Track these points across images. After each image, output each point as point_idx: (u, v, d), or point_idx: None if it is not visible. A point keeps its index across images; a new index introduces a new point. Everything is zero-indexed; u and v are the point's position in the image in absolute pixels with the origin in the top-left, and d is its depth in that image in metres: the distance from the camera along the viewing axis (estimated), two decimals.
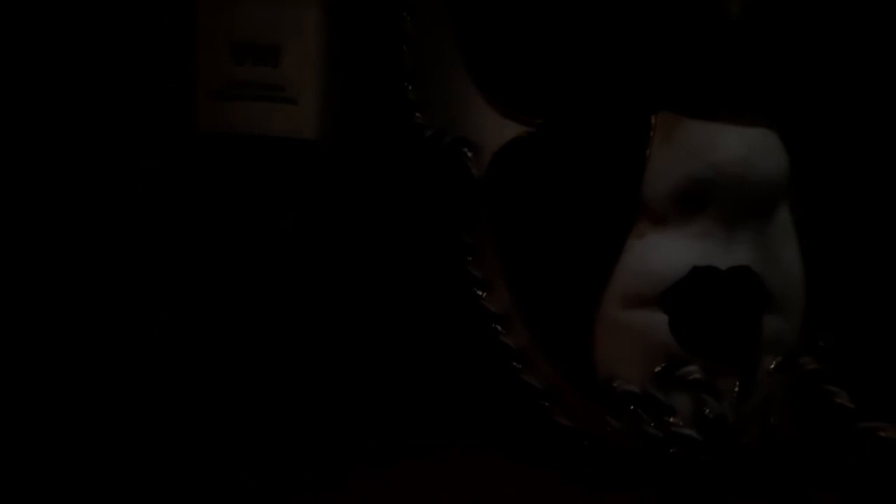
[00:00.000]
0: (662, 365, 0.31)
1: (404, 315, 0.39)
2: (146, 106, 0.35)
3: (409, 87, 0.36)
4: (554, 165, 0.34)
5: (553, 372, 0.35)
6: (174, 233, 0.36)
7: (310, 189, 0.36)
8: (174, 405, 0.35)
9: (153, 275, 0.37)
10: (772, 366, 0.32)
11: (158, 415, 0.35)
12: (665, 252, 0.31)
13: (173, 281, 0.36)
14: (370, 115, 0.38)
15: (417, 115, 0.36)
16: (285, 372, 0.37)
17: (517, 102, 0.34)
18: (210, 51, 0.35)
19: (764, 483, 0.32)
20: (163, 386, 0.36)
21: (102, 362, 0.37)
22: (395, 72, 0.36)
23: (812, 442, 0.32)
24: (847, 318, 0.35)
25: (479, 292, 0.36)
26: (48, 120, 0.37)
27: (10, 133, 0.37)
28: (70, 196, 0.37)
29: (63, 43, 0.37)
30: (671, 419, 0.31)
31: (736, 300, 0.32)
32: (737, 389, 0.31)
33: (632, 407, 0.32)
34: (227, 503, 0.31)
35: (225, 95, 0.35)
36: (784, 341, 0.33)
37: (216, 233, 0.36)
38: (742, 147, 0.30)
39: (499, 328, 0.35)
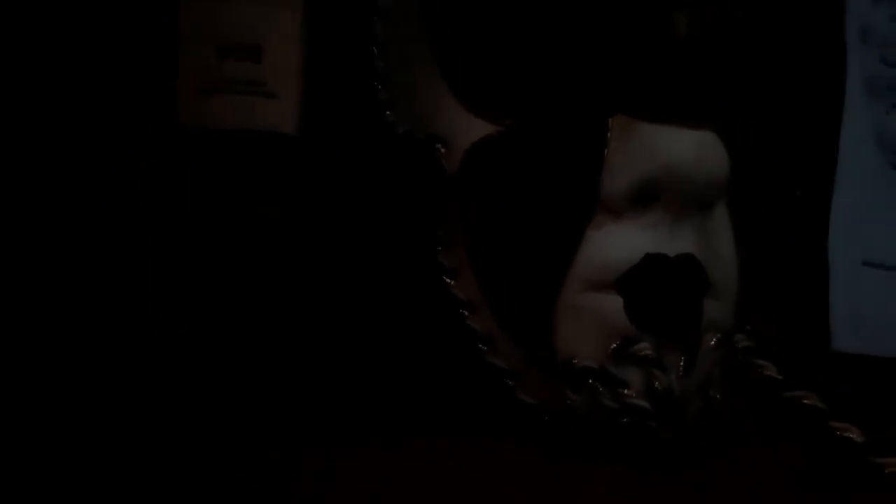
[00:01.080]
0: (617, 343, 0.35)
1: (386, 307, 0.41)
2: (145, 106, 0.36)
3: (380, 87, 0.38)
4: (521, 162, 0.37)
5: (516, 354, 0.38)
6: (174, 233, 0.36)
7: (291, 181, 0.38)
8: (174, 405, 0.36)
9: (153, 275, 0.37)
10: (711, 343, 0.36)
11: (158, 415, 0.36)
12: (620, 242, 0.35)
13: (173, 281, 0.37)
14: (348, 111, 0.40)
15: (388, 113, 0.38)
16: (285, 371, 0.38)
17: (488, 103, 0.37)
18: (194, 48, 0.37)
19: (707, 452, 0.35)
20: (163, 386, 0.36)
21: (102, 362, 0.37)
22: (369, 70, 0.38)
23: (746, 410, 0.36)
24: (771, 301, 0.40)
25: (448, 280, 0.39)
26: (47, 120, 0.37)
27: (9, 133, 0.37)
28: (70, 196, 0.37)
29: (63, 43, 0.37)
30: (625, 391, 0.35)
31: (680, 284, 0.36)
32: (682, 364, 0.35)
33: (590, 381, 0.35)
34: (226, 502, 0.32)
35: (209, 91, 0.37)
36: (721, 322, 0.36)
37: (206, 226, 0.37)
38: (690, 149, 0.34)
39: (465, 313, 0.39)
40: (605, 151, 0.35)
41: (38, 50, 0.38)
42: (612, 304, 0.35)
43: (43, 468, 0.33)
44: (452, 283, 0.38)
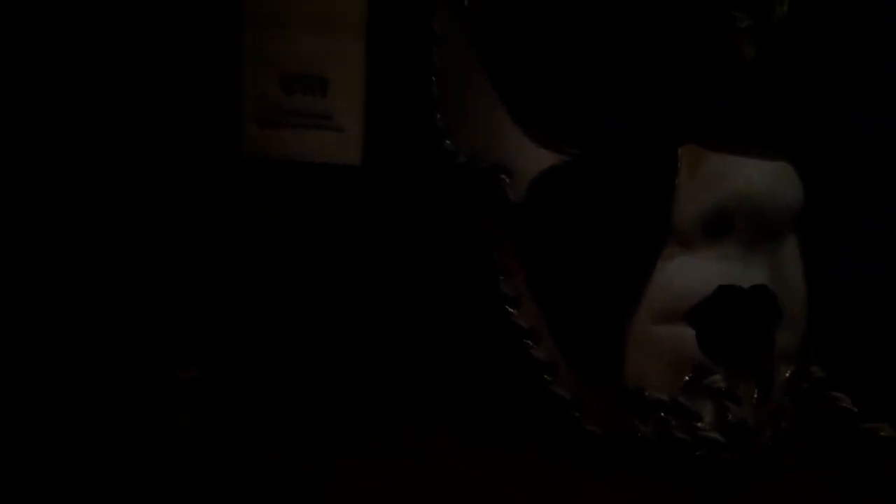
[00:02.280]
0: (690, 374, 0.35)
1: (408, 318, 0.40)
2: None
3: (438, 116, 0.38)
4: (587, 191, 0.37)
5: (580, 383, 0.37)
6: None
7: (351, 210, 0.38)
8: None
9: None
10: (786, 374, 0.36)
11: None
12: (693, 272, 0.34)
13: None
14: (409, 141, 0.40)
15: (447, 141, 0.38)
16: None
17: (552, 133, 0.37)
18: (258, 79, 0.37)
19: (773, 479, 0.35)
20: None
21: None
22: (428, 99, 0.38)
23: (820, 442, 0.36)
24: (843, 331, 0.39)
25: (510, 309, 0.38)
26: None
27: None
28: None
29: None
30: (698, 424, 0.35)
31: (753, 315, 0.35)
32: (755, 396, 0.35)
33: (661, 413, 0.35)
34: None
35: (273, 123, 0.37)
36: (792, 352, 0.36)
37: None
38: (763, 179, 0.34)
39: (529, 343, 0.38)
40: (676, 181, 0.35)
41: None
42: (685, 335, 0.34)
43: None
44: (515, 312, 0.38)
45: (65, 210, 0.37)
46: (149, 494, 0.32)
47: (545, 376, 0.38)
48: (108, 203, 0.37)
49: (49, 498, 0.31)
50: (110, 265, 0.37)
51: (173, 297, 0.37)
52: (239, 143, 0.36)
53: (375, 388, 0.39)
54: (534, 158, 0.37)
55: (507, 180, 0.38)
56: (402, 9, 0.39)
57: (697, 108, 0.35)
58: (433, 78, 0.38)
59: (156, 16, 0.36)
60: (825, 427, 0.36)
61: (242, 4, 0.36)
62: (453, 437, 0.36)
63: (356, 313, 0.39)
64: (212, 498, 0.32)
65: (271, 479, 0.33)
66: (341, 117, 0.37)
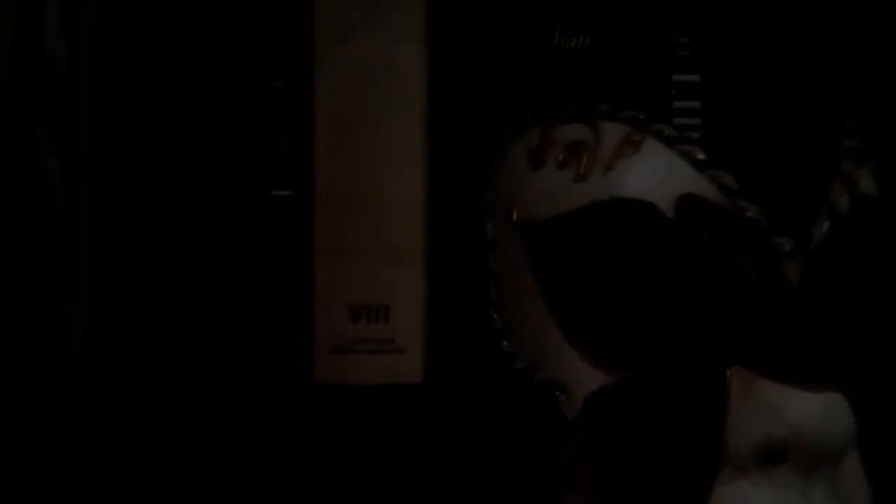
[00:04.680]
0: None
1: None
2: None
3: (495, 316, 0.40)
4: (641, 411, 0.38)
5: None
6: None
7: (415, 428, 0.40)
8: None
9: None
10: None
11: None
12: (749, 500, 0.34)
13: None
14: (470, 353, 0.42)
15: (505, 343, 0.40)
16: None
17: (604, 353, 0.39)
18: (327, 309, 0.40)
19: None
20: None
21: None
22: (486, 303, 0.40)
23: None
24: None
25: None
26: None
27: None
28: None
29: None
30: None
31: None
32: None
33: None
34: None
35: (342, 350, 0.40)
36: None
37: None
38: (815, 412, 0.34)
39: None
40: (726, 405, 0.36)
41: None
42: None
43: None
44: None
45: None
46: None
47: None
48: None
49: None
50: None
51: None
52: (310, 370, 0.39)
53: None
54: (588, 377, 0.38)
55: (563, 397, 0.39)
56: (461, 230, 0.42)
57: (744, 330, 0.36)
58: (490, 281, 0.40)
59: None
60: None
61: (312, 239, 0.40)
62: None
63: None
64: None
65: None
66: (403, 339, 0.40)
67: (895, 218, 0.39)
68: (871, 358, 0.37)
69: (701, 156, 0.37)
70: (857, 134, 0.40)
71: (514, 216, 0.40)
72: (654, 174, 0.37)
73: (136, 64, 0.39)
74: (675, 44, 0.42)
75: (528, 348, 0.40)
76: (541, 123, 0.40)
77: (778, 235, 0.36)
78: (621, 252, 0.38)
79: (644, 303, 0.38)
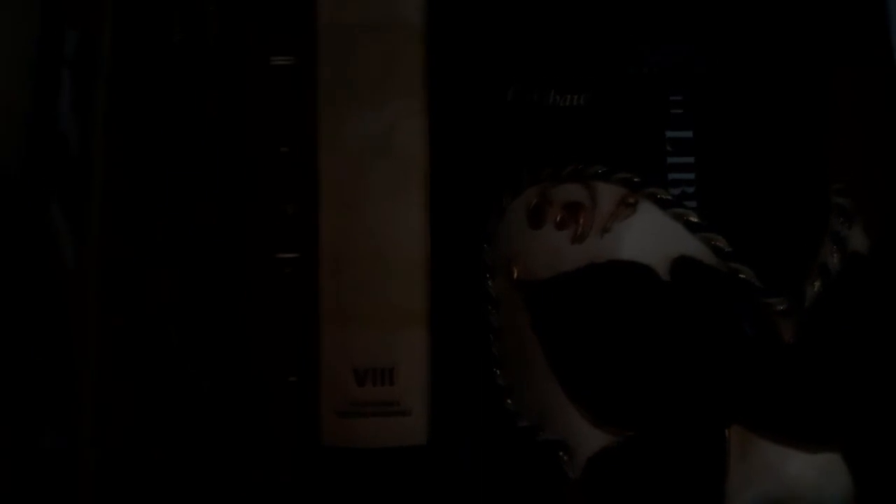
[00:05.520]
0: None
1: None
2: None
3: (498, 373, 0.40)
4: (643, 470, 0.38)
5: None
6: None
7: (420, 489, 0.40)
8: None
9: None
10: None
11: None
12: None
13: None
14: (475, 413, 0.43)
15: (508, 401, 0.40)
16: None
17: (605, 414, 0.39)
18: (334, 372, 0.41)
19: None
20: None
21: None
22: (488, 360, 0.40)
23: None
24: None
25: None
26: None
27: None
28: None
29: None
30: None
31: None
32: None
33: None
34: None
35: (348, 413, 0.41)
36: None
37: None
38: (812, 474, 0.35)
39: None
40: (726, 464, 0.36)
41: None
42: None
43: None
44: None
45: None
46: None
47: None
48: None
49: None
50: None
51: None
52: (317, 433, 0.39)
53: None
54: (591, 437, 0.39)
55: (566, 457, 0.40)
56: (464, 290, 0.43)
57: (740, 389, 0.37)
58: (492, 338, 0.41)
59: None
60: None
61: (318, 302, 0.41)
62: None
63: None
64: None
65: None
66: (408, 401, 0.41)
67: (887, 274, 0.40)
68: (867, 417, 0.38)
69: (694, 218, 0.39)
70: (846, 192, 0.41)
71: (515, 274, 0.41)
72: (650, 237, 0.38)
73: (145, 137, 0.41)
74: (668, 101, 0.44)
75: (531, 406, 0.40)
76: (538, 183, 0.42)
77: (772, 296, 0.37)
78: (620, 313, 0.39)
79: (643, 363, 0.38)
